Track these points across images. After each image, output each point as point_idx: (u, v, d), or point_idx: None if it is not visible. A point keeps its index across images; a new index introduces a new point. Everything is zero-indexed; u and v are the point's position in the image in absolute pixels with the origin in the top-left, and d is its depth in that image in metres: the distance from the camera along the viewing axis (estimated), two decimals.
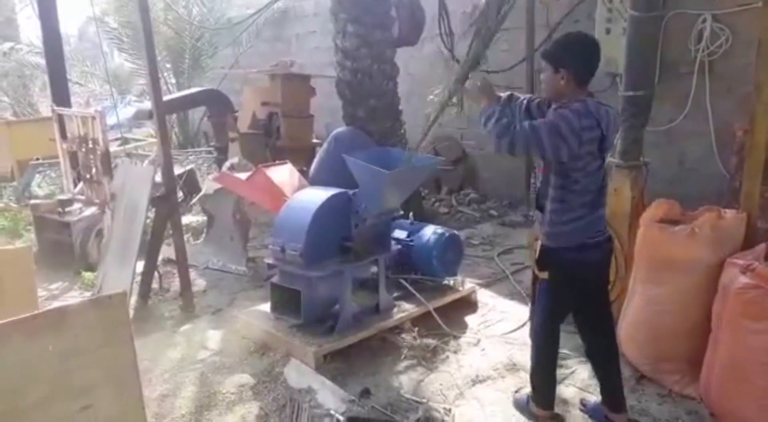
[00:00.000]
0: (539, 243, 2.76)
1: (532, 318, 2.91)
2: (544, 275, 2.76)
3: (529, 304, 2.99)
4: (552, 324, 2.85)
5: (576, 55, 2.59)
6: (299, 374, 3.40)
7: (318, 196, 3.72)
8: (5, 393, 1.95)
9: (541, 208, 2.71)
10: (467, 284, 4.37)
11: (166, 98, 6.60)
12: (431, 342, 3.74)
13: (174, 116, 10.45)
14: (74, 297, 4.71)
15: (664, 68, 5.33)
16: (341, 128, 5.98)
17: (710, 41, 5.08)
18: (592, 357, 2.98)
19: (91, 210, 5.29)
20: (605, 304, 2.88)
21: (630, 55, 3.88)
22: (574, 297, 2.78)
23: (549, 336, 2.86)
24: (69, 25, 17.08)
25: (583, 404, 3.08)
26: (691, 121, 5.26)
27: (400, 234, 4.29)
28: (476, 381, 3.38)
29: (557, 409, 3.01)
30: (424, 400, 3.18)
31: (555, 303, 2.80)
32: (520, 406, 3.08)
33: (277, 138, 7.07)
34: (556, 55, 2.60)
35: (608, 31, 5.47)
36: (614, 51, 4.88)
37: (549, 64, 2.60)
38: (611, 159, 4.08)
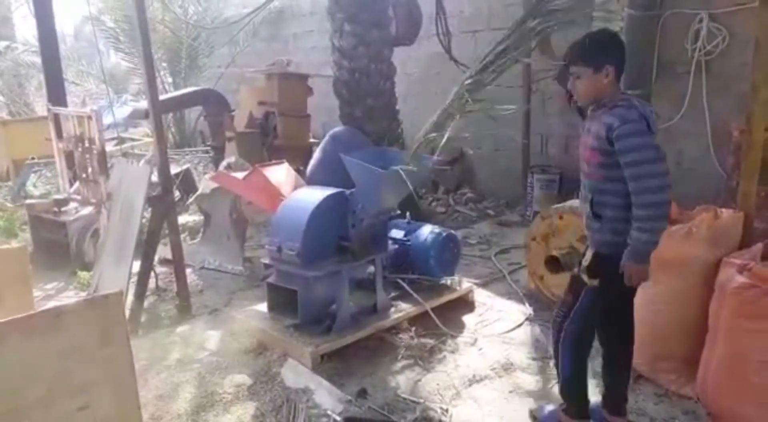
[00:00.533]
0: (590, 251, 2.65)
1: (563, 328, 2.76)
2: (595, 283, 2.63)
3: (558, 311, 2.88)
4: (591, 331, 2.76)
5: (617, 48, 2.54)
6: (296, 374, 3.40)
7: (315, 195, 3.72)
8: (3, 393, 1.94)
9: (598, 217, 2.58)
10: (464, 284, 4.37)
11: (162, 97, 6.59)
12: (428, 341, 3.73)
13: (170, 115, 10.43)
14: (70, 297, 4.70)
15: (661, 67, 5.34)
16: (338, 127, 5.98)
17: (707, 41, 5.09)
18: (609, 363, 2.88)
19: (87, 209, 5.28)
20: (633, 310, 2.82)
21: (627, 55, 3.87)
22: (617, 304, 2.70)
23: (587, 343, 2.77)
24: (65, 24, 17.00)
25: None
26: (688, 120, 5.27)
27: (397, 233, 4.29)
28: (473, 380, 3.37)
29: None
30: (421, 400, 3.17)
31: (597, 310, 2.71)
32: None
33: (274, 137, 7.06)
34: (597, 53, 2.50)
35: None
36: None
37: (587, 66, 2.49)
38: None
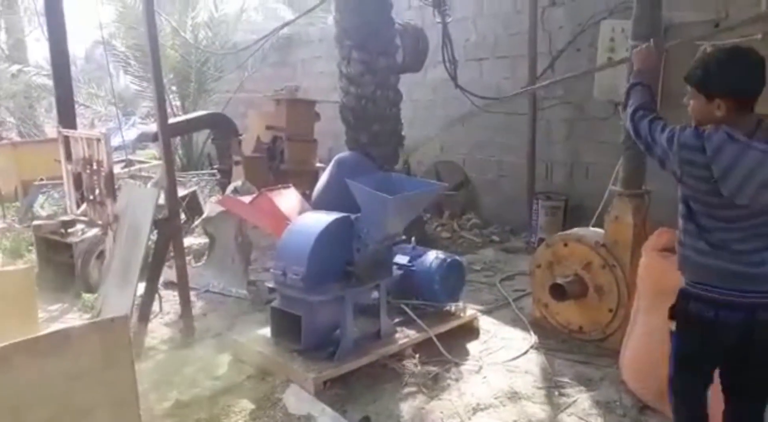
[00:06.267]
0: None
1: None
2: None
3: None
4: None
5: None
6: (299, 400, 3.37)
7: (320, 220, 3.73)
8: (7, 415, 1.94)
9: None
10: (469, 310, 4.35)
11: (171, 121, 6.66)
12: (432, 369, 3.71)
13: (178, 138, 10.53)
14: (74, 319, 4.70)
15: (665, 97, 5.37)
16: (344, 152, 6.02)
17: None
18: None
19: (94, 231, 5.30)
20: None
21: None
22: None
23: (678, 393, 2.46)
24: (76, 47, 17.28)
25: None
26: None
27: (401, 259, 4.28)
28: (477, 409, 3.34)
29: None
30: None
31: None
32: None
33: (281, 161, 7.11)
34: None
35: (610, 60, 5.53)
36: (616, 79, 4.94)
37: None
38: (612, 187, 4.11)
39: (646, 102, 2.43)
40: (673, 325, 2.34)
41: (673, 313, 2.33)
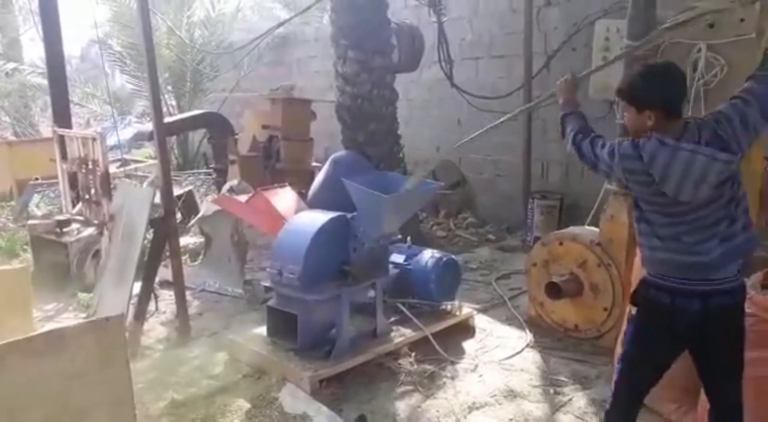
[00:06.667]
0: None
1: None
2: None
3: None
4: None
5: None
6: (294, 399, 3.37)
7: (317, 219, 3.74)
8: (2, 415, 1.93)
9: None
10: (465, 309, 4.36)
11: (167, 120, 6.65)
12: (428, 367, 3.72)
13: (174, 137, 10.52)
14: (69, 318, 4.68)
15: None
16: (340, 152, 6.02)
17: (705, 70, 5.15)
18: None
19: (89, 230, 5.29)
20: None
21: None
22: None
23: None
24: (72, 47, 17.21)
25: None
26: None
27: (397, 258, 4.29)
28: (473, 408, 3.35)
29: None
30: None
31: None
32: None
33: (277, 161, 7.11)
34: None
35: (605, 59, 5.54)
36: (611, 79, 4.95)
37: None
38: (608, 186, 4.13)
39: (581, 126, 2.65)
40: (633, 310, 2.53)
41: (635, 299, 2.52)
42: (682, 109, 2.37)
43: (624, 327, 3.47)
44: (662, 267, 2.38)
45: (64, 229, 5.39)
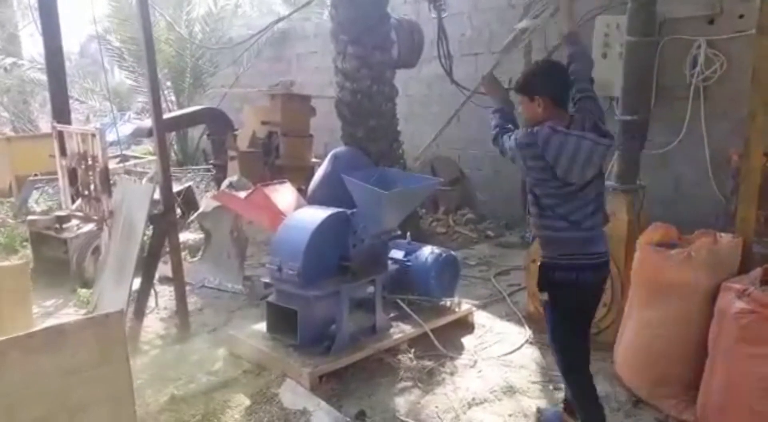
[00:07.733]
0: None
1: None
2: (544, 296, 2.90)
3: None
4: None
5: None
6: (294, 395, 3.38)
7: (316, 215, 3.73)
8: (2, 412, 1.94)
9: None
10: (464, 305, 4.37)
11: (166, 116, 6.64)
12: (428, 363, 3.73)
13: (173, 133, 10.51)
14: (69, 314, 4.69)
15: (659, 92, 5.39)
16: (340, 148, 6.02)
17: (705, 66, 5.15)
18: None
19: (89, 226, 5.29)
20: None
21: (626, 80, 3.93)
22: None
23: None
24: (71, 42, 17.19)
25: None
26: (686, 144, 5.30)
27: (397, 254, 4.29)
28: (473, 403, 3.36)
29: None
30: None
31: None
32: None
33: (276, 157, 7.10)
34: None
35: (605, 55, 5.54)
36: (611, 75, 4.94)
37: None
38: (608, 182, 4.12)
39: (500, 123, 2.88)
40: (545, 296, 2.77)
41: (541, 286, 2.76)
42: (567, 102, 2.72)
43: (623, 322, 3.50)
44: (564, 246, 2.65)
45: (64, 225, 5.38)
